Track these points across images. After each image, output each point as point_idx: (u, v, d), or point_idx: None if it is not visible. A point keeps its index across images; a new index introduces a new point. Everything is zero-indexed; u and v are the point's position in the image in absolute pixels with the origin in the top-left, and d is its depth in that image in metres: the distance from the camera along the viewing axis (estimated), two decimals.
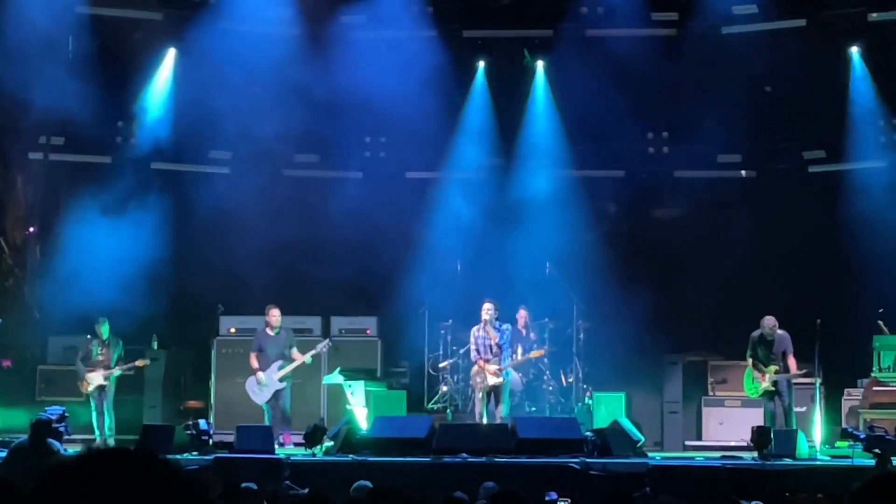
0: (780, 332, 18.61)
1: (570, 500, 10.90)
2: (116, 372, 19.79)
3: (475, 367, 19.00)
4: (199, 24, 21.67)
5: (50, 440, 14.78)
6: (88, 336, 20.19)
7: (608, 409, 20.23)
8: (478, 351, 18.89)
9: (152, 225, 21.16)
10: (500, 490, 7.45)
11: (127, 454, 2.45)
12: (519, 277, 21.33)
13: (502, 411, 18.72)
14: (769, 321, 18.65)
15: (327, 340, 20.33)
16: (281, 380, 19.56)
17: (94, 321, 20.00)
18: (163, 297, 21.27)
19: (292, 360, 19.67)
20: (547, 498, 11.25)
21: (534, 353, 19.94)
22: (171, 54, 22.47)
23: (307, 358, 19.67)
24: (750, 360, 18.79)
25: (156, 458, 2.45)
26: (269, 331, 19.87)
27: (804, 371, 18.64)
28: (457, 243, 21.51)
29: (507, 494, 6.62)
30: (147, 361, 20.49)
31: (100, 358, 19.80)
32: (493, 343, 18.73)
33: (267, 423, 19.23)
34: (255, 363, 19.69)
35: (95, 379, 19.68)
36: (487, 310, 18.73)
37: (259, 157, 22.63)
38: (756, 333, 18.76)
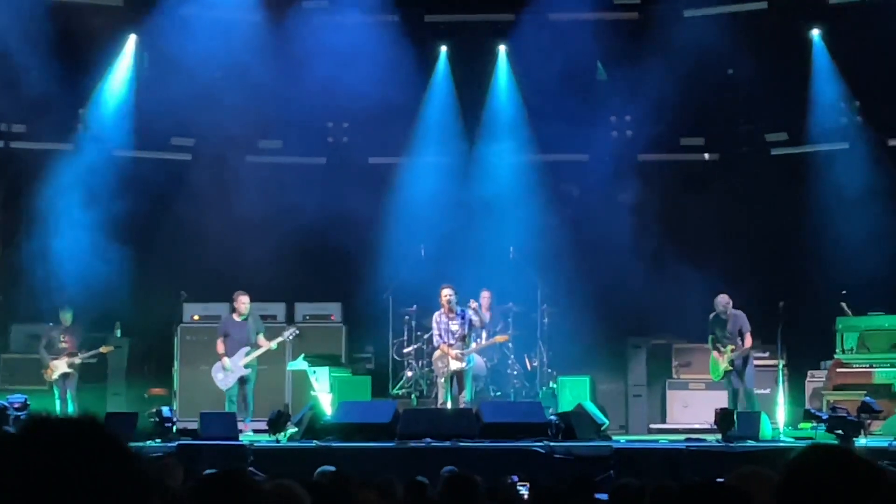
0: (734, 311, 18.74)
1: (528, 485, 10.86)
2: (78, 360, 19.75)
3: (437, 352, 19.01)
4: (159, 10, 21.55)
5: (5, 428, 14.72)
6: (51, 324, 20.14)
7: (572, 392, 20.25)
8: (440, 336, 18.90)
9: (114, 212, 21.03)
10: (455, 474, 7.42)
11: (69, 423, 2.41)
12: (483, 262, 21.31)
13: (465, 396, 18.75)
14: (722, 299, 18.81)
15: (294, 328, 20.27)
16: (246, 366, 19.49)
17: (56, 309, 19.97)
18: (125, 284, 21.13)
19: (259, 347, 19.62)
20: (508, 482, 11.22)
21: (498, 338, 19.96)
22: (131, 40, 22.30)
23: (273, 345, 19.60)
24: (711, 342, 18.91)
25: (100, 426, 2.41)
26: (235, 317, 19.79)
27: (767, 353, 18.72)
28: (420, 228, 21.48)
29: (461, 478, 6.60)
30: (111, 348, 20.50)
31: (63, 346, 19.77)
32: (458, 330, 18.73)
33: (227, 409, 19.15)
34: (221, 349, 19.59)
35: (59, 367, 19.65)
36: (447, 295, 18.73)
37: (222, 144, 22.55)
38: (712, 314, 18.90)
